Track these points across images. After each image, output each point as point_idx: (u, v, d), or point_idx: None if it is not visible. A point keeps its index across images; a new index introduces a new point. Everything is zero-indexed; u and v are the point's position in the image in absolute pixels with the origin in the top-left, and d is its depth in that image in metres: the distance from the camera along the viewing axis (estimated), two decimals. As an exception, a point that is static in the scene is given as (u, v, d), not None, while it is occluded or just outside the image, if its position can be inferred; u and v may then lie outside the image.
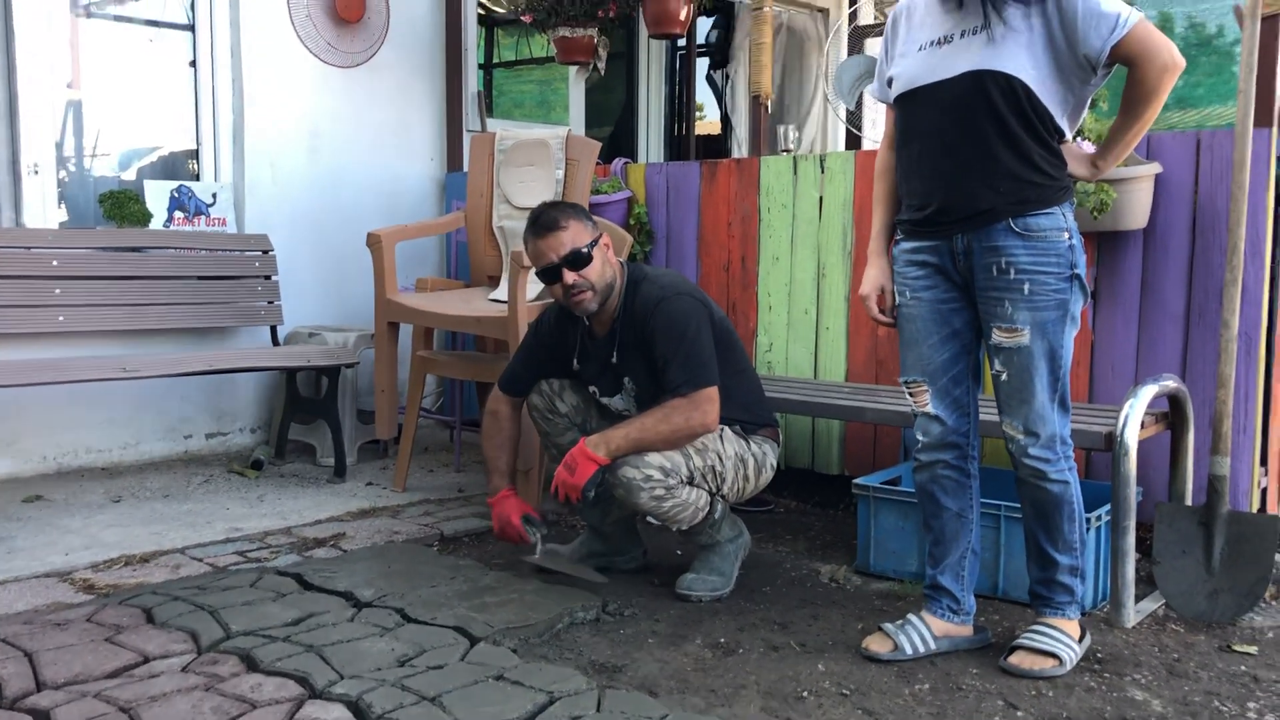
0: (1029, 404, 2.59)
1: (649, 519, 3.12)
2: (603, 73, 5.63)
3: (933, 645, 2.72)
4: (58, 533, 3.65)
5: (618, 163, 4.75)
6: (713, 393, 3.00)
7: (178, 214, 4.80)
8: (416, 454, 4.84)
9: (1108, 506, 2.99)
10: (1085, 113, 2.64)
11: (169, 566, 3.33)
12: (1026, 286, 2.53)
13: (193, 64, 4.96)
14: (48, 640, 2.66)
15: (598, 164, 4.54)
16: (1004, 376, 2.62)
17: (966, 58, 2.51)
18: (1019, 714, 2.42)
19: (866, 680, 2.58)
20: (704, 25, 7.52)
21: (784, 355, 4.26)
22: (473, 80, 5.77)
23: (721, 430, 3.10)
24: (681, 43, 7.22)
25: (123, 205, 4.61)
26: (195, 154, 5.00)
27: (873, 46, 6.81)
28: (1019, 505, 2.77)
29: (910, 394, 2.76)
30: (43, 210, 4.46)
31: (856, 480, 3.43)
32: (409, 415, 4.30)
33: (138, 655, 2.59)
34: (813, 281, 4.17)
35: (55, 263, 4.33)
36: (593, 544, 3.37)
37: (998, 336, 2.59)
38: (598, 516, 3.29)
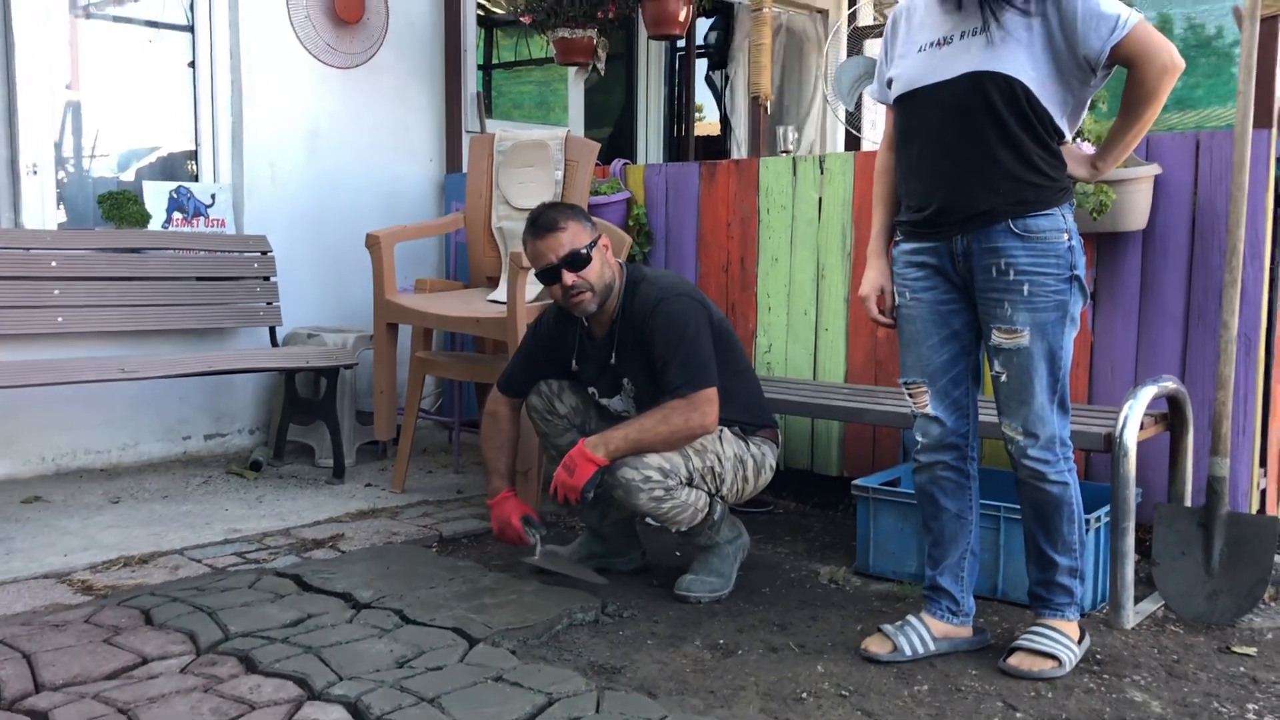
0: (1028, 405, 2.59)
1: (648, 520, 3.12)
2: (602, 73, 5.63)
3: (932, 646, 2.72)
4: (56, 534, 3.65)
5: (617, 164, 4.75)
6: (712, 394, 3.00)
7: (176, 215, 4.80)
8: (415, 455, 4.83)
9: (1107, 508, 2.99)
10: (1085, 114, 2.64)
11: (167, 568, 3.32)
12: (1026, 288, 2.53)
13: (192, 65, 4.96)
14: (46, 641, 2.65)
15: (597, 165, 4.54)
16: (1003, 378, 2.62)
17: (966, 59, 2.50)
18: (1018, 715, 2.41)
19: (866, 681, 2.57)
20: (703, 26, 7.52)
21: (783, 356, 4.26)
22: (472, 81, 5.77)
23: (720, 431, 3.10)
24: (681, 44, 7.22)
25: (121, 206, 4.61)
26: (194, 155, 5.00)
27: (872, 47, 6.81)
28: (1018, 506, 2.77)
29: (910, 395, 2.76)
30: (41, 211, 4.46)
31: (856, 481, 3.43)
32: (408, 416, 4.30)
33: (136, 656, 2.59)
34: (812, 282, 4.17)
35: (54, 263, 4.33)
36: (592, 545, 3.37)
37: (997, 338, 2.59)
38: (596, 518, 3.28)
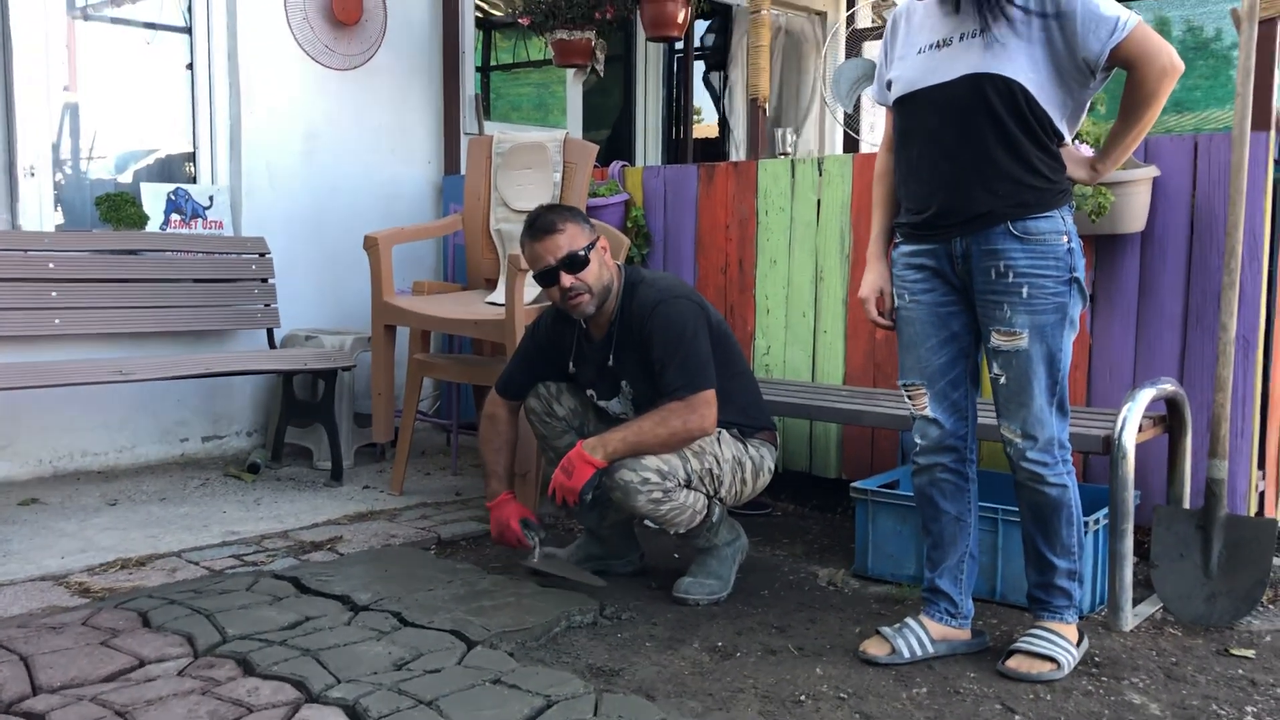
0: (1027, 407, 2.59)
1: (646, 522, 3.11)
2: (601, 74, 5.63)
3: (930, 649, 2.72)
4: (53, 536, 3.64)
5: (615, 166, 4.75)
6: (710, 396, 3.00)
7: (174, 217, 4.80)
8: (413, 457, 4.83)
9: (1105, 510, 2.99)
10: (1084, 116, 2.64)
11: (165, 570, 3.32)
12: (1025, 290, 2.53)
13: (190, 66, 4.95)
14: (43, 644, 2.65)
15: (595, 167, 4.54)
16: (1002, 380, 2.62)
17: (965, 61, 2.50)
18: (1016, 717, 2.41)
19: (864, 684, 2.57)
20: (701, 28, 7.53)
21: (782, 358, 4.26)
22: (470, 83, 5.76)
23: (719, 433, 3.10)
24: (679, 46, 7.22)
25: (119, 208, 4.61)
26: (192, 157, 5.00)
27: (870, 50, 6.81)
28: (1017, 509, 2.76)
29: (909, 397, 2.76)
30: (39, 213, 4.45)
31: (854, 484, 3.42)
32: (406, 418, 4.30)
33: (134, 659, 2.58)
34: (810, 284, 4.17)
35: (52, 265, 4.33)
36: (590, 547, 3.37)
37: (996, 340, 2.59)
38: (595, 520, 3.28)
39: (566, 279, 3.04)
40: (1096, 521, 3.03)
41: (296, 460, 4.84)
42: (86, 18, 4.72)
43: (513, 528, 3.18)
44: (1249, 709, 2.47)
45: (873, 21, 7.38)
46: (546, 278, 3.08)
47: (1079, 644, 2.70)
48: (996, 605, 3.11)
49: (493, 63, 6.67)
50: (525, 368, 3.31)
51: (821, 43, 7.43)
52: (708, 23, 7.55)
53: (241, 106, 4.93)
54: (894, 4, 6.29)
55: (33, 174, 4.42)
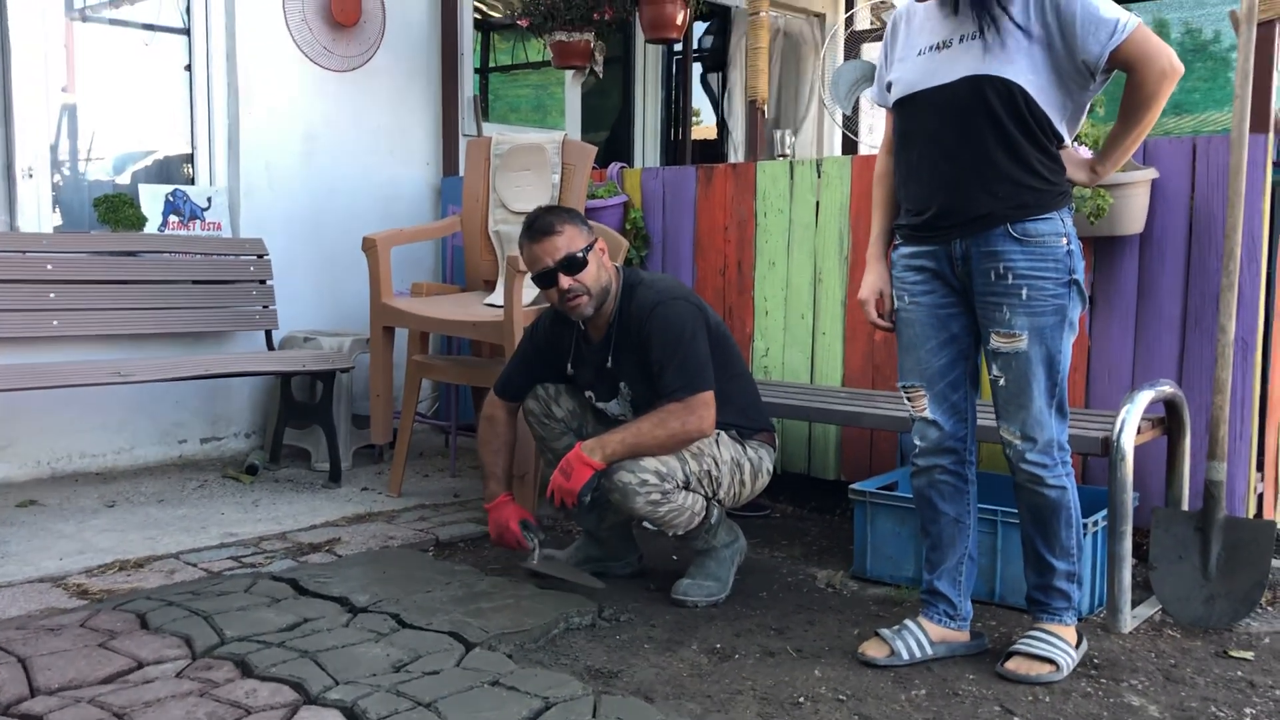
0: (1026, 409, 2.59)
1: (645, 524, 3.11)
2: (600, 76, 5.63)
3: (929, 651, 2.71)
4: (51, 538, 3.64)
5: (614, 167, 4.75)
6: (708, 397, 3.00)
7: (173, 218, 4.79)
8: (412, 459, 4.82)
9: (1104, 512, 2.99)
10: (1084, 118, 2.64)
11: (163, 572, 3.31)
12: (1024, 292, 2.53)
13: (188, 68, 4.95)
14: (41, 646, 2.64)
15: (594, 169, 4.54)
16: (1002, 382, 2.62)
17: (965, 63, 2.50)
18: (1015, 719, 2.42)
19: (863, 686, 2.57)
20: (700, 30, 7.53)
21: (780, 360, 4.26)
22: (468, 85, 5.76)
23: (717, 435, 3.10)
24: (678, 47, 7.22)
25: (117, 209, 4.60)
26: (190, 158, 5.00)
27: (869, 51, 6.82)
28: (1016, 510, 2.76)
29: (908, 399, 2.75)
30: (37, 214, 4.45)
31: (853, 485, 3.42)
32: (404, 420, 4.30)
33: (132, 661, 2.58)
34: (809, 286, 4.17)
35: (50, 267, 4.32)
36: (588, 549, 3.36)
37: (996, 342, 2.59)
38: (593, 521, 3.28)
39: (565, 281, 3.04)
40: (1095, 523, 3.03)
41: (295, 462, 4.84)
42: (85, 19, 4.72)
43: (511, 529, 3.18)
44: (1247, 711, 2.47)
45: (871, 23, 7.39)
46: (544, 279, 3.07)
47: (1078, 646, 2.70)
48: (995, 607, 3.11)
49: (491, 64, 6.67)
50: (524, 369, 3.31)
51: (820, 44, 7.44)
52: (706, 24, 7.55)
53: (240, 108, 4.93)
54: (893, 6, 6.30)
55: (31, 175, 4.42)
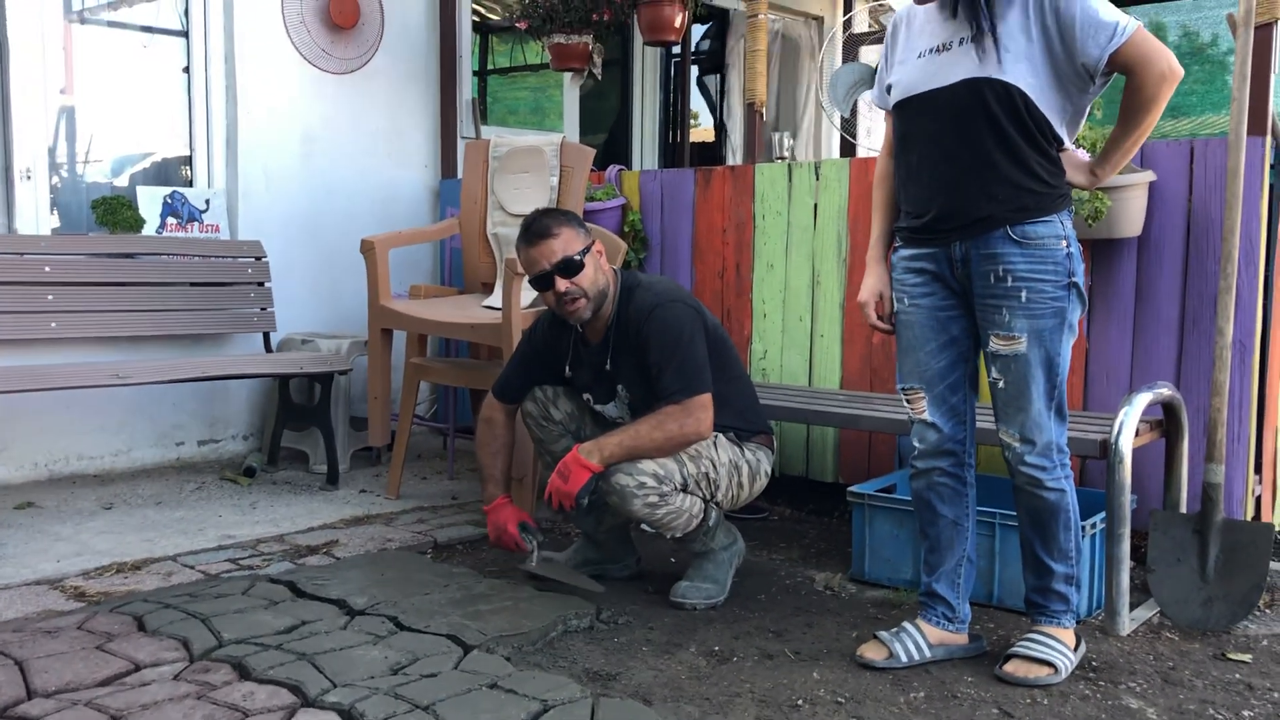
0: (1026, 412, 2.59)
1: (643, 526, 3.11)
2: (599, 78, 5.63)
3: (928, 653, 2.71)
4: (49, 540, 3.63)
5: (612, 170, 4.75)
6: (706, 400, 3.00)
7: (171, 220, 4.79)
8: (410, 461, 4.82)
9: (1102, 514, 2.99)
10: (1084, 121, 2.65)
11: (161, 574, 3.31)
12: (1024, 294, 2.53)
13: (186, 70, 4.95)
14: (38, 648, 2.64)
15: (592, 171, 4.54)
16: (1001, 384, 2.62)
17: (965, 65, 2.50)
18: (1014, 722, 2.41)
19: (861, 688, 2.57)
20: (698, 33, 7.53)
21: (778, 362, 4.26)
22: (467, 87, 5.76)
23: (715, 437, 3.10)
24: (676, 50, 7.23)
25: (116, 211, 4.60)
26: (188, 160, 4.99)
27: (867, 54, 6.83)
28: (1015, 513, 2.76)
29: (907, 401, 2.75)
30: (35, 216, 4.45)
31: (851, 488, 3.42)
32: (402, 422, 4.29)
33: (129, 663, 2.58)
34: (807, 289, 4.17)
35: (48, 269, 4.32)
36: (587, 551, 3.36)
37: (995, 344, 2.59)
38: (591, 524, 3.28)
39: (561, 284, 3.04)
40: (1093, 526, 3.03)
41: (292, 464, 4.83)
42: (83, 21, 4.72)
43: (510, 531, 3.18)
44: (1245, 713, 2.47)
45: (869, 26, 7.40)
46: (541, 282, 3.07)
47: (1076, 648, 2.70)
48: (994, 610, 3.11)
49: (490, 66, 6.67)
50: (522, 372, 3.31)
51: (818, 47, 7.44)
52: (704, 27, 7.55)
53: (238, 110, 4.93)
54: (890, 9, 6.30)
55: (29, 177, 4.42)
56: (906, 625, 2.76)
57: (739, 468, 3.13)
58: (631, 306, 3.10)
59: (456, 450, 4.84)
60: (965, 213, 2.56)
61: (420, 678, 2.50)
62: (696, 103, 7.66)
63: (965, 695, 2.55)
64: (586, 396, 3.27)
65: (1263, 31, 3.14)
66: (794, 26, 7.57)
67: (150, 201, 4.74)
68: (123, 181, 4.87)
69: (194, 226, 4.85)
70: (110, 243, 4.55)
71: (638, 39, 6.62)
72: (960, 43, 2.53)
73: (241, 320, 4.82)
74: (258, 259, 4.87)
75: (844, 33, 7.04)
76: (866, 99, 5.06)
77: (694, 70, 7.53)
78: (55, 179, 4.63)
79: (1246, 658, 2.79)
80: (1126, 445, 2.83)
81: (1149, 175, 3.33)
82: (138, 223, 4.66)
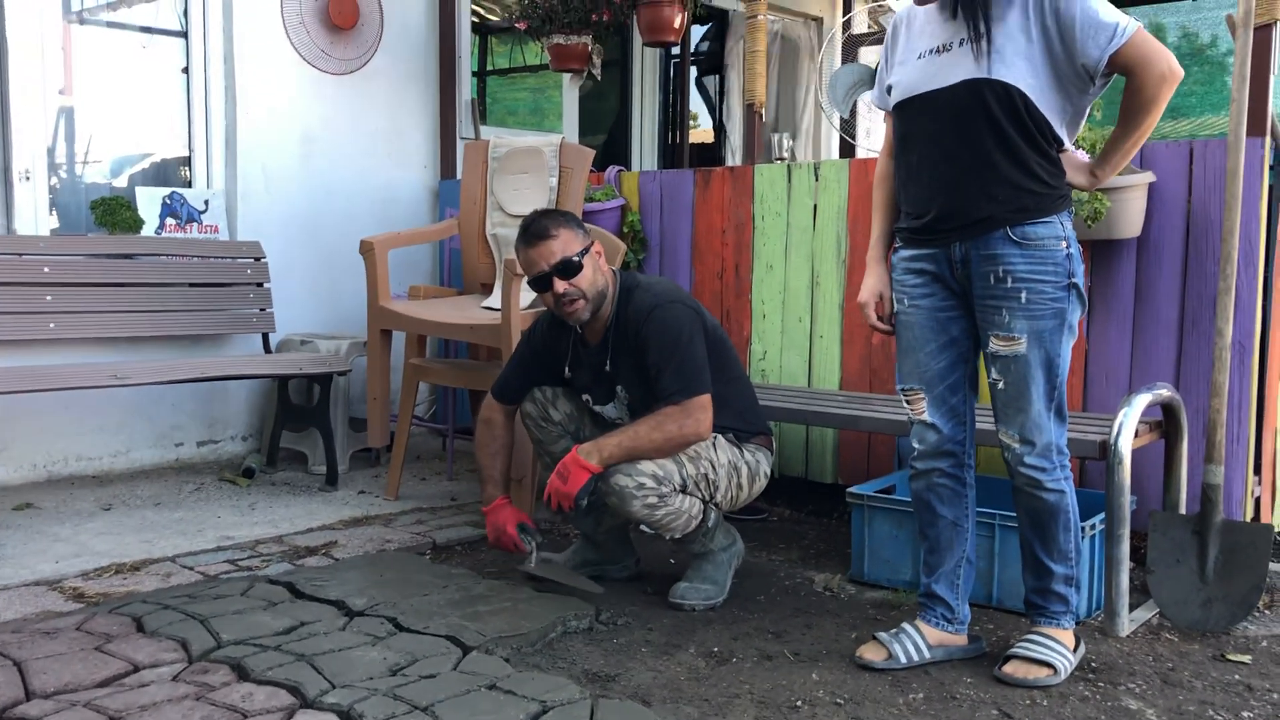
0: (1025, 413, 2.58)
1: (642, 527, 3.11)
2: (598, 79, 5.63)
3: (927, 654, 2.71)
4: (47, 541, 3.63)
5: (611, 170, 4.75)
6: (705, 400, 3.00)
7: (170, 221, 4.79)
8: (409, 462, 4.82)
9: (1102, 515, 2.99)
10: (1084, 122, 2.65)
11: (159, 575, 3.31)
12: (1024, 295, 2.53)
13: (185, 70, 4.95)
14: (37, 649, 2.64)
15: (591, 172, 4.54)
16: (1001, 385, 2.61)
17: (965, 66, 2.50)
18: (1014, 723, 2.41)
19: (861, 689, 2.57)
20: (698, 33, 7.53)
21: (778, 363, 4.26)
22: (466, 87, 5.77)
23: (715, 438, 3.09)
24: (675, 51, 7.23)
25: (114, 212, 4.60)
26: (187, 161, 4.99)
27: (866, 55, 6.82)
28: (1014, 514, 2.76)
29: (907, 401, 2.75)
30: (34, 217, 4.45)
31: (851, 489, 3.42)
32: (401, 423, 4.29)
33: (128, 664, 2.57)
34: (807, 290, 4.16)
35: (47, 269, 4.32)
36: (586, 552, 3.36)
37: (995, 345, 2.59)
38: (590, 525, 3.28)
39: (560, 285, 3.04)
40: (1093, 527, 3.03)
41: (291, 465, 4.83)
42: (82, 21, 4.72)
43: (509, 532, 3.17)
44: (1245, 714, 2.47)
45: (869, 27, 7.40)
46: (540, 284, 3.07)
47: (1075, 649, 2.70)
48: (993, 611, 3.11)
49: (489, 67, 6.67)
50: (521, 372, 3.31)
51: (817, 48, 7.45)
52: (704, 28, 7.55)
53: (237, 110, 4.93)
54: (890, 9, 6.30)
55: (28, 178, 4.42)
56: (906, 626, 2.76)
57: (738, 469, 3.13)
58: (630, 307, 3.10)
59: (455, 451, 4.84)
60: (965, 213, 2.56)
61: (419, 679, 2.50)
62: (696, 104, 7.66)
63: (964, 696, 2.54)
64: (586, 397, 3.27)
65: (1262, 32, 3.14)
66: (793, 27, 7.57)
67: (149, 202, 4.74)
68: (122, 182, 4.87)
69: (193, 227, 4.85)
70: (109, 243, 4.55)
71: (637, 40, 6.62)
72: (960, 43, 2.53)
73: (240, 321, 4.82)
74: (257, 260, 4.87)
75: (843, 33, 7.03)
76: (866, 100, 5.06)
77: (693, 71, 7.53)
78: (54, 179, 4.63)
79: (1246, 659, 2.79)
80: (1126, 446, 2.83)
81: (1148, 176, 3.33)
82: (137, 223, 4.66)
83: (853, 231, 4.02)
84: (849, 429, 3.70)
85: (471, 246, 4.64)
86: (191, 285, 4.70)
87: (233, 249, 4.85)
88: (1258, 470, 3.37)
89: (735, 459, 3.13)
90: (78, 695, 2.41)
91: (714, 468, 3.07)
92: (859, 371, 4.05)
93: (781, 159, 6.33)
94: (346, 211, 5.27)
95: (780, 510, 4.24)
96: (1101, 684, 2.62)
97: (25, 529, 3.76)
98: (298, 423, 4.71)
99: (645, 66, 7.16)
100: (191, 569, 3.37)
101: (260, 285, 4.86)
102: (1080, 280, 2.57)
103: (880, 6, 6.92)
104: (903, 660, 2.69)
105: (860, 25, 7.35)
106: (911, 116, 2.63)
